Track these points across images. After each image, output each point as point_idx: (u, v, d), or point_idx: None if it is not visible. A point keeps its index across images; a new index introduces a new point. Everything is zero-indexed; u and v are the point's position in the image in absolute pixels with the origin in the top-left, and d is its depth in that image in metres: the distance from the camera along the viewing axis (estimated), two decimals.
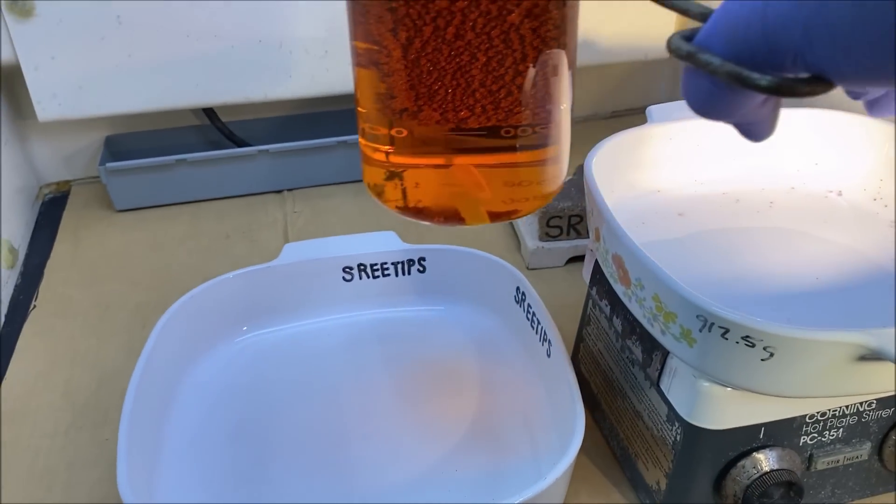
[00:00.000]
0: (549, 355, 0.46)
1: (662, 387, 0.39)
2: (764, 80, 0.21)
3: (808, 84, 0.21)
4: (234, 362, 0.52)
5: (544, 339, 0.47)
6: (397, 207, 0.35)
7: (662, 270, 0.34)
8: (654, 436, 0.41)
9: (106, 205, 0.73)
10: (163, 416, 0.47)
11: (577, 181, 0.62)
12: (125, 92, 0.68)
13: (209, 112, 0.74)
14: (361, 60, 0.33)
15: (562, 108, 0.33)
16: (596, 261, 0.44)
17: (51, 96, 0.67)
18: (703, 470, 0.39)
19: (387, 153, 0.34)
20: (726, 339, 0.33)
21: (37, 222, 0.73)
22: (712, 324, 0.33)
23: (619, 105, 0.88)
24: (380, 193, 0.35)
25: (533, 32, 0.31)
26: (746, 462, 0.38)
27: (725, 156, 0.48)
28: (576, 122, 0.35)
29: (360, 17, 0.31)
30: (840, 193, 0.47)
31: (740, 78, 0.22)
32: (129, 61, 0.67)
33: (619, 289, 0.41)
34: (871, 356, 0.32)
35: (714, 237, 0.44)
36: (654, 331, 0.38)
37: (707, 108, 0.24)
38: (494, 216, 0.35)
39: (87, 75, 0.67)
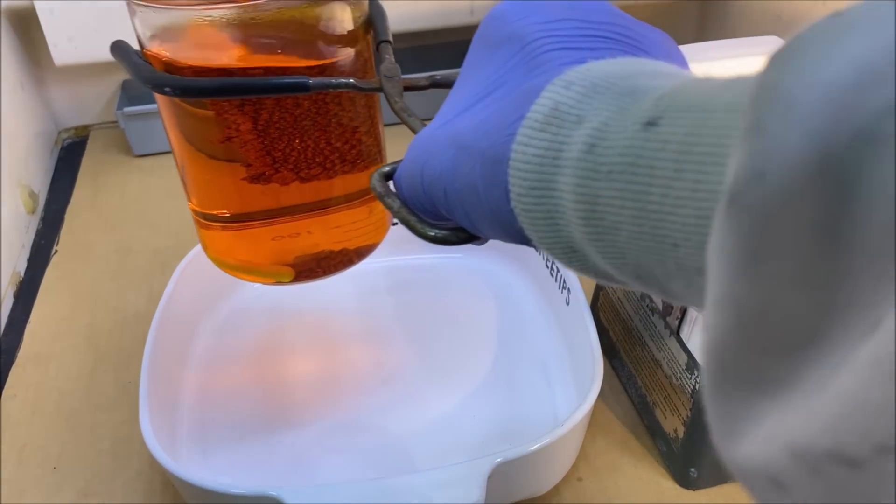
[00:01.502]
0: (567, 303, 0.46)
1: (682, 335, 0.39)
2: (426, 231, 0.24)
3: (460, 235, 0.24)
4: (252, 307, 0.52)
5: (563, 287, 0.47)
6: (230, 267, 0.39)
7: None
8: (673, 384, 0.40)
9: (124, 150, 0.73)
10: (183, 359, 0.47)
11: None
12: None
13: None
14: (209, 147, 0.35)
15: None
16: None
17: (66, 39, 0.66)
18: None
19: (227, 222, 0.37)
20: None
21: (56, 167, 0.73)
22: None
23: None
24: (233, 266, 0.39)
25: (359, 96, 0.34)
26: None
27: None
28: None
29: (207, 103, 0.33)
30: None
31: (409, 226, 0.24)
32: None
33: None
34: None
35: None
36: None
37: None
38: (344, 256, 0.39)
39: (103, 18, 0.66)
